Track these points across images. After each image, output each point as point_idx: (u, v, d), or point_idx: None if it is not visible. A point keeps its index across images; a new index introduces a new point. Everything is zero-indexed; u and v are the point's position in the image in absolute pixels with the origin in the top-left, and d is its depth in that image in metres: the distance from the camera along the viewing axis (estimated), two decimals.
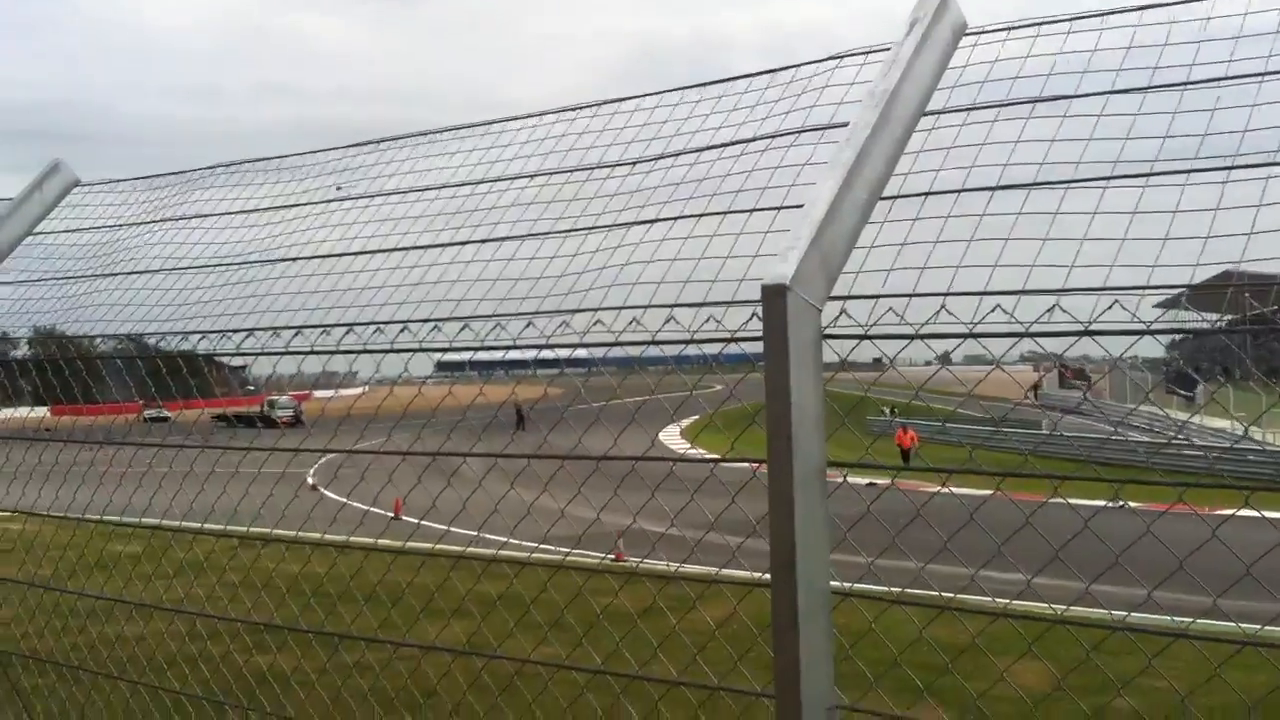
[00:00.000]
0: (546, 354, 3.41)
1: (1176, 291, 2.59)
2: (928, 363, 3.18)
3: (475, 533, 3.80)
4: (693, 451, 5.00)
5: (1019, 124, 2.96)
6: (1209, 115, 2.74)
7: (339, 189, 4.60)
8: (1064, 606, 2.64)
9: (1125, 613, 2.57)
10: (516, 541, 3.71)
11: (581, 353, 3.52)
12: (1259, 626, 2.45)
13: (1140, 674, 2.92)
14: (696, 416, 4.47)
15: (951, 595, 2.66)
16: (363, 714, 5.21)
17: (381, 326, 3.53)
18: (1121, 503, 3.02)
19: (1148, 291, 2.45)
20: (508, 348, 3.28)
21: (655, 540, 3.27)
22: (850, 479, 2.78)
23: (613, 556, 9.23)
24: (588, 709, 3.81)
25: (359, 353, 3.62)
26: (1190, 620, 2.54)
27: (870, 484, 3.09)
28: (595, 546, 4.39)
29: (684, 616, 3.29)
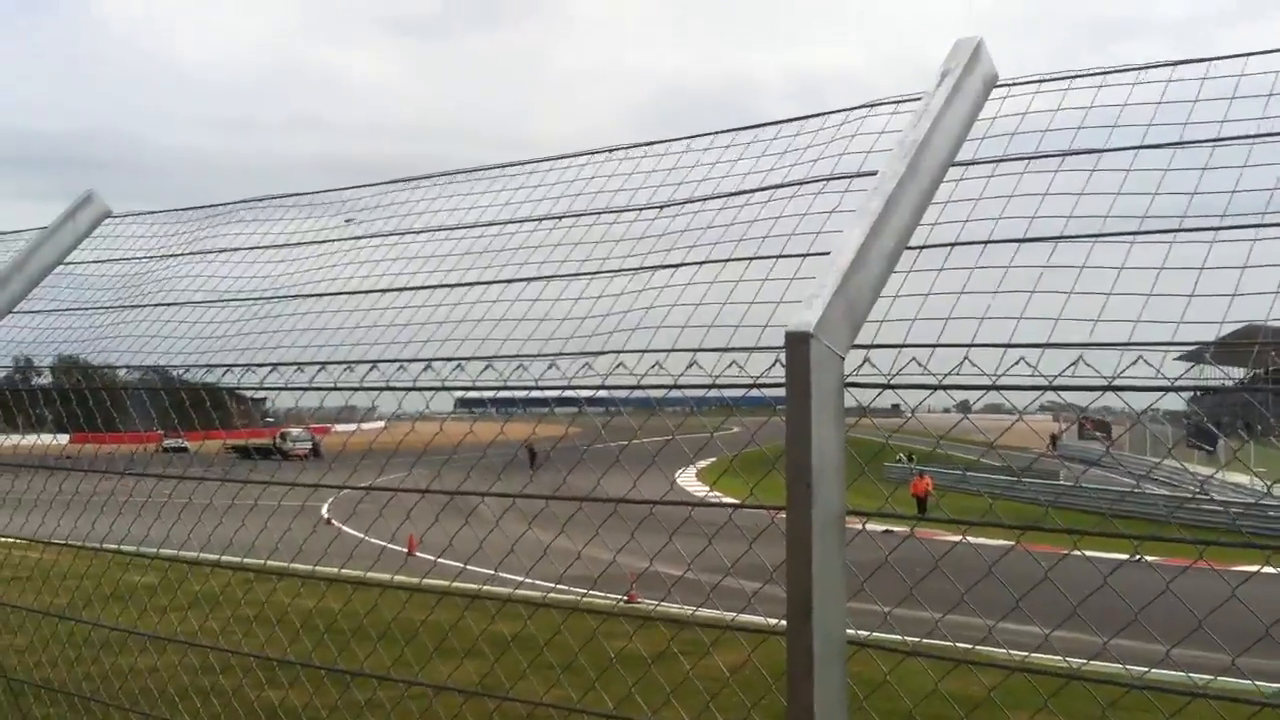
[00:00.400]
0: (568, 394, 3.42)
1: (1199, 346, 2.57)
2: (946, 410, 3.16)
3: (491, 571, 3.79)
4: (711, 495, 4.98)
5: (1047, 177, 2.97)
6: (1239, 172, 2.74)
7: (349, 221, 4.63)
8: (1081, 661, 2.60)
9: (1144, 669, 2.53)
10: (532, 582, 3.70)
11: (602, 394, 3.53)
12: (1278, 686, 2.41)
13: None
14: (714, 459, 4.45)
15: (968, 647, 2.62)
16: None
17: (405, 364, 3.54)
18: (1140, 557, 2.98)
19: (1172, 347, 2.44)
20: (530, 388, 3.29)
21: (672, 584, 3.25)
22: (868, 526, 2.76)
23: (626, 599, 9.17)
24: None
25: (381, 389, 3.63)
26: (1209, 679, 2.50)
27: (887, 531, 3.07)
28: (611, 588, 4.36)
29: (698, 662, 3.26)
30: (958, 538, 2.80)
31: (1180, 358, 2.58)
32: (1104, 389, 2.44)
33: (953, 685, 2.78)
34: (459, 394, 3.95)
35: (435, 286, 3.85)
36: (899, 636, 2.77)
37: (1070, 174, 2.94)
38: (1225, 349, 2.68)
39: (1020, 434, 3.19)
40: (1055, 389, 2.51)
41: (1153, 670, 2.57)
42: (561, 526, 3.37)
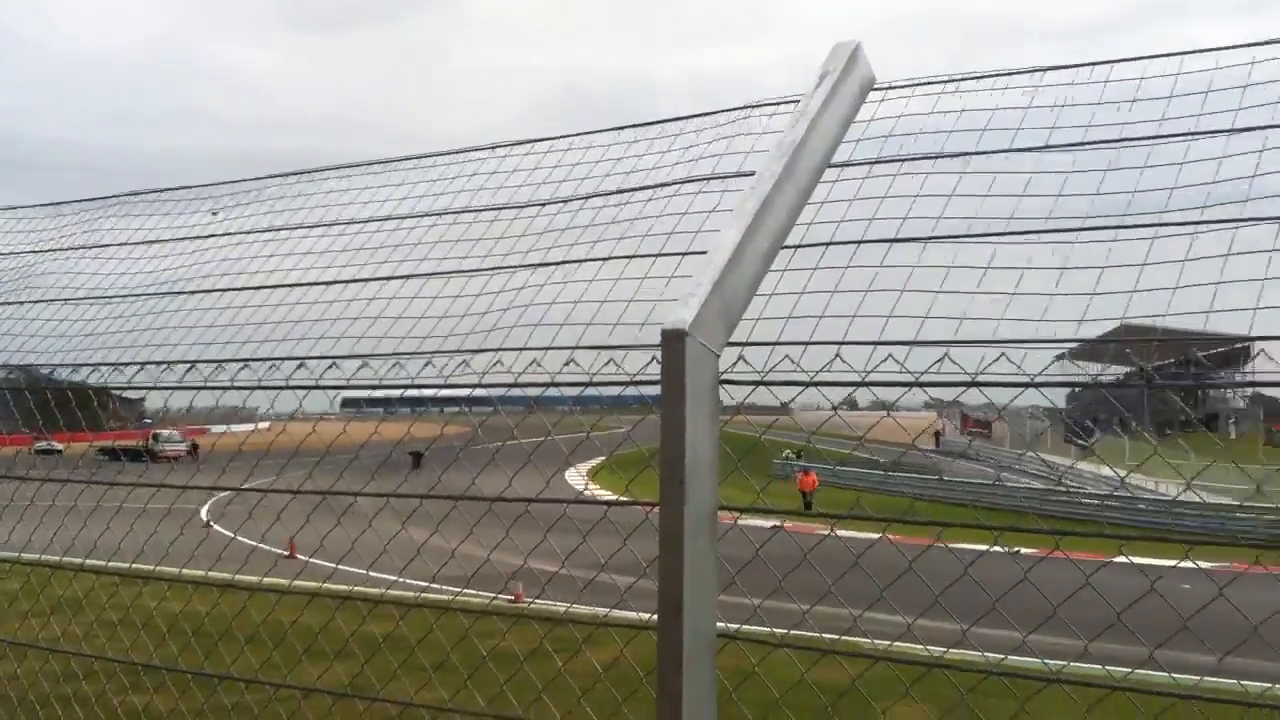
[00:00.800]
0: (447, 392, 3.38)
1: (1073, 345, 2.65)
2: (834, 407, 3.21)
3: (364, 571, 3.73)
4: (590, 492, 4.98)
5: (919, 179, 3.03)
6: (1102, 175, 2.83)
7: (215, 214, 4.53)
8: (943, 650, 2.66)
9: (1001, 656, 2.60)
10: (405, 581, 3.65)
11: (481, 392, 3.49)
12: (1128, 670, 2.50)
13: (1013, 717, 2.96)
14: (600, 459, 4.45)
15: (834, 637, 2.67)
16: None
17: (277, 363, 3.46)
18: (1010, 549, 3.06)
19: (1034, 345, 2.50)
20: (405, 387, 3.24)
21: (546, 581, 3.24)
22: (755, 522, 2.79)
23: (511, 598, 9.13)
24: None
25: (253, 389, 3.55)
26: (1063, 664, 2.58)
27: (775, 527, 3.10)
28: (486, 587, 4.32)
29: (570, 659, 3.25)
30: (840, 532, 2.85)
31: (1061, 356, 2.65)
32: (968, 384, 2.50)
33: (822, 674, 2.82)
34: (344, 394, 3.89)
35: (312, 284, 3.79)
36: (768, 629, 2.80)
37: (941, 176, 3.01)
38: (1102, 346, 2.77)
39: (904, 430, 3.25)
40: (921, 385, 2.56)
41: (1012, 656, 2.63)
42: (436, 525, 3.33)
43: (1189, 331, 2.62)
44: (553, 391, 3.09)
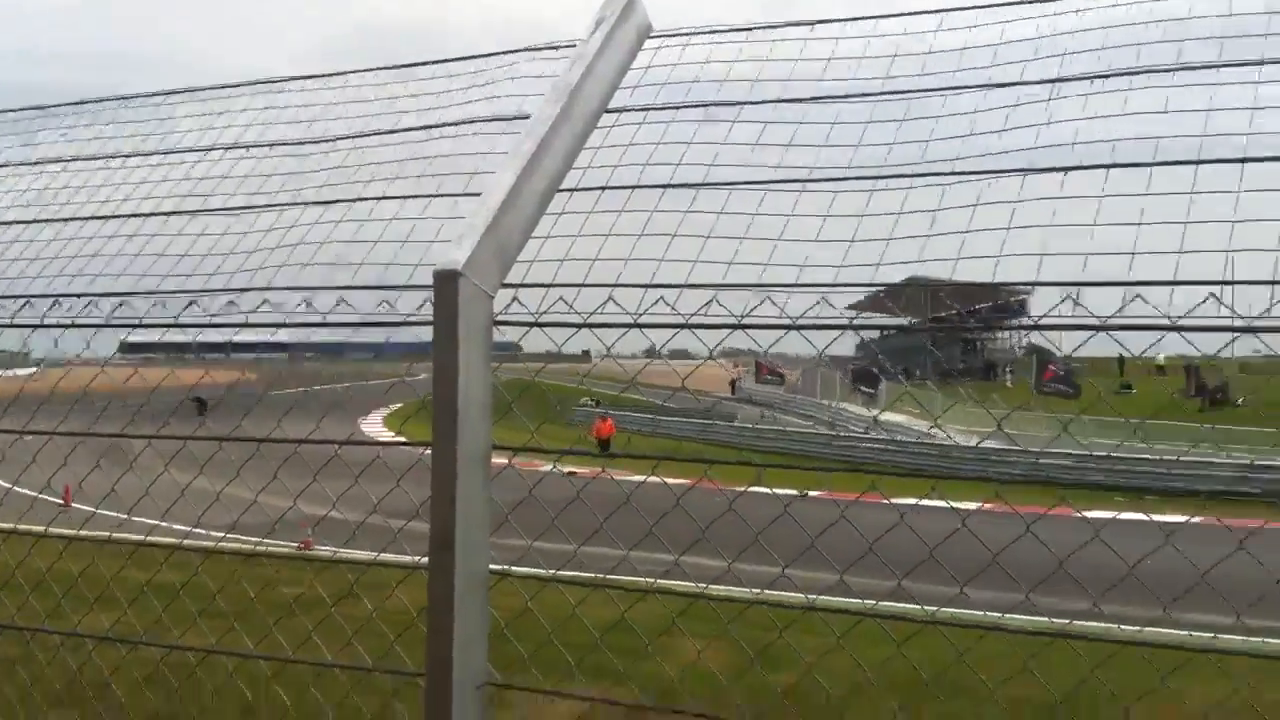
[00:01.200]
0: (215, 335, 3.27)
1: (832, 289, 2.75)
2: (634, 356, 3.26)
3: (156, 521, 3.59)
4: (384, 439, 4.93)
5: (693, 126, 3.08)
6: (862, 128, 2.93)
7: None
8: (704, 585, 2.76)
9: (759, 590, 2.72)
10: (168, 526, 3.54)
11: (253, 335, 3.39)
12: (936, 609, 2.65)
13: (769, 645, 3.11)
14: (401, 404, 4.40)
15: (602, 576, 2.73)
16: (24, 710, 4.85)
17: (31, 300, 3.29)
18: (801, 491, 3.19)
19: (797, 290, 2.60)
20: (166, 326, 3.13)
21: (314, 524, 3.20)
22: (548, 467, 2.81)
23: (300, 545, 8.97)
24: (238, 694, 3.69)
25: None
26: (873, 603, 2.71)
27: (571, 473, 3.14)
28: (278, 536, 4.24)
29: (340, 601, 3.23)
30: (639, 477, 2.90)
31: (850, 306, 2.75)
32: (734, 327, 2.58)
33: (593, 611, 2.89)
34: (125, 338, 3.71)
35: (68, 219, 3.59)
36: (542, 569, 2.84)
37: (714, 124, 3.06)
38: (888, 297, 2.89)
39: (705, 379, 3.33)
40: (690, 327, 2.63)
41: (767, 590, 2.75)
42: (201, 467, 3.24)
43: (968, 283, 2.75)
44: (334, 335, 3.04)
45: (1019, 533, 2.71)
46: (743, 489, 2.80)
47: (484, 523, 2.59)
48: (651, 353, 3.08)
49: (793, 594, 2.81)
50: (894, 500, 2.84)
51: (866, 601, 2.67)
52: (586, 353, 3.13)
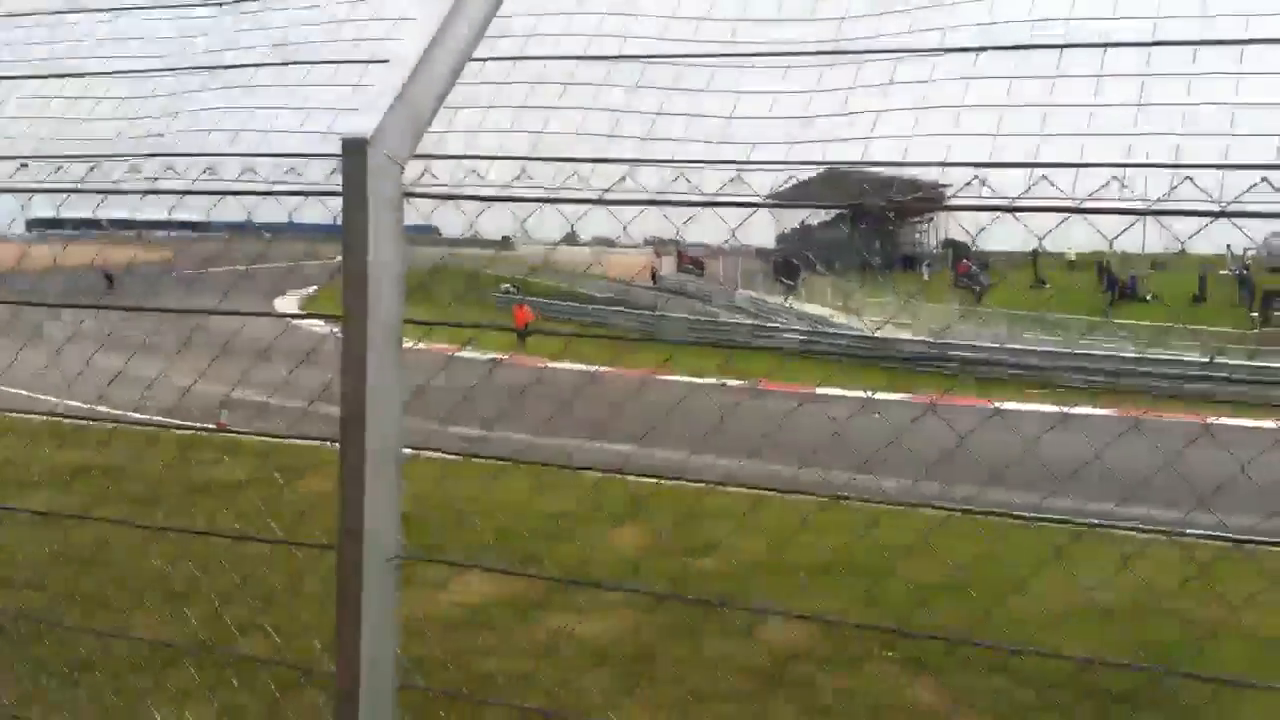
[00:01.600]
0: (152, 214, 3.17)
1: (751, 166, 2.74)
2: (556, 244, 3.22)
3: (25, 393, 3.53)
4: (313, 324, 4.87)
5: None
6: (778, 3, 2.90)
7: None
8: (619, 470, 2.80)
9: (674, 478, 2.76)
10: (79, 405, 3.49)
11: (160, 212, 3.30)
12: (848, 496, 2.71)
13: (678, 521, 3.17)
14: (316, 288, 4.34)
15: (515, 460, 2.76)
16: None
17: None
18: (719, 381, 3.21)
19: (712, 166, 2.59)
20: (70, 191, 3.03)
21: (220, 402, 3.17)
22: (474, 355, 2.81)
23: (215, 426, 8.89)
24: (149, 569, 3.70)
25: None
26: (723, 480, 2.76)
27: (493, 358, 3.14)
28: (194, 417, 4.19)
29: (254, 474, 3.22)
30: (558, 364, 2.90)
31: (770, 195, 2.74)
32: (649, 203, 2.57)
33: (539, 502, 2.91)
34: (30, 213, 3.59)
35: None
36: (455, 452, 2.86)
37: None
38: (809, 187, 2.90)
39: (627, 268, 3.31)
40: (604, 203, 2.61)
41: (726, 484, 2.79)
42: (101, 345, 3.18)
43: (888, 176, 2.76)
44: (235, 210, 2.97)
45: (927, 418, 2.77)
46: (696, 381, 2.83)
47: (396, 396, 2.58)
48: (571, 239, 3.06)
49: (740, 488, 2.87)
50: (817, 390, 2.88)
51: (775, 487, 2.73)
52: (507, 239, 3.10)
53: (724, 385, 3.27)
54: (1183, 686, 6.35)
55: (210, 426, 8.28)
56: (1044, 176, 2.44)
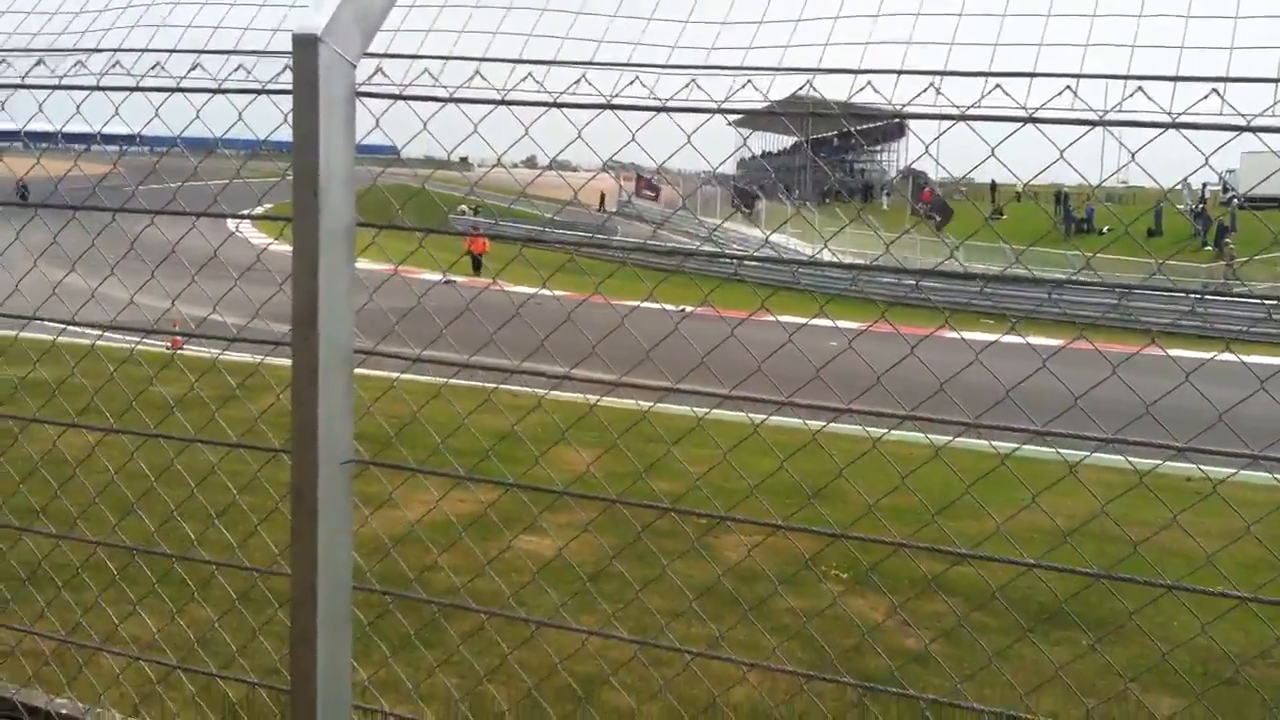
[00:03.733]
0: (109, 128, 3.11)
1: (706, 71, 2.72)
2: (515, 165, 3.20)
3: None
4: (244, 234, 4.82)
5: None
6: None
7: None
8: (599, 397, 2.81)
9: (651, 404, 2.78)
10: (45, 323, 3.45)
11: (119, 112, 3.24)
12: (765, 416, 2.72)
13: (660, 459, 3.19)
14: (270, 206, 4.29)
15: (494, 386, 2.75)
16: None
17: None
18: (680, 307, 3.22)
19: (667, 70, 2.58)
20: (14, 86, 2.97)
21: (159, 317, 3.13)
22: (428, 276, 2.79)
23: (169, 344, 8.80)
24: (98, 465, 3.68)
25: None
26: (707, 411, 2.78)
27: (449, 281, 3.12)
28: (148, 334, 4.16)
29: (202, 375, 3.21)
30: (521, 288, 2.89)
31: (733, 124, 2.73)
32: (604, 107, 2.56)
33: (483, 420, 2.87)
34: None
35: None
36: (406, 351, 2.85)
37: None
38: (770, 113, 2.88)
39: (587, 192, 3.28)
40: (558, 105, 2.60)
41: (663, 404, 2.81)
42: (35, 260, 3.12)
43: (845, 103, 2.75)
44: (189, 125, 2.92)
45: (902, 353, 2.78)
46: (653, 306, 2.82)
47: (347, 298, 2.58)
48: (531, 162, 3.04)
49: (681, 408, 2.88)
50: (782, 318, 2.89)
51: (754, 417, 2.74)
52: (465, 160, 3.08)
53: (684, 311, 3.28)
54: (1117, 598, 6.55)
55: (166, 346, 8.22)
56: (998, 85, 2.45)
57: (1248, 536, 2.69)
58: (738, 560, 7.45)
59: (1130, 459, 2.76)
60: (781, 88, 2.79)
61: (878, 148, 76.59)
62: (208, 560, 2.99)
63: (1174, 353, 2.47)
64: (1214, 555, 2.71)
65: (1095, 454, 2.58)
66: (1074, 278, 2.63)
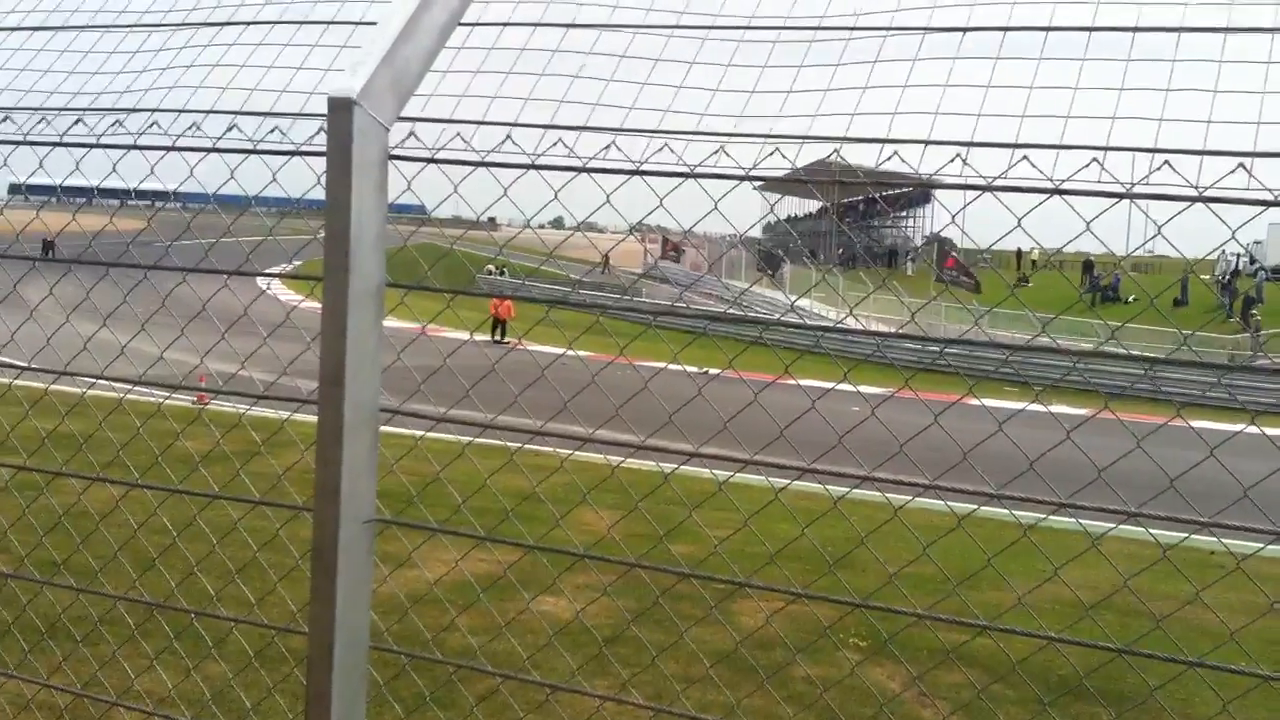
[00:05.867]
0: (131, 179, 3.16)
1: (734, 139, 2.75)
2: (542, 226, 3.23)
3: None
4: (274, 291, 4.85)
5: None
6: None
7: None
8: (621, 459, 2.80)
9: (675, 467, 2.78)
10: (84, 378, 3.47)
11: (155, 170, 3.29)
12: (787, 482, 2.71)
13: (683, 522, 3.18)
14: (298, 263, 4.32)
15: (519, 446, 2.75)
16: None
17: None
18: (702, 368, 3.22)
19: (695, 137, 2.61)
20: (53, 144, 3.02)
21: (188, 373, 3.15)
22: (455, 335, 2.80)
23: (195, 399, 8.85)
24: (121, 519, 3.69)
25: None
26: (730, 474, 2.77)
27: (499, 342, 3.15)
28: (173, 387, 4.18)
29: (228, 431, 3.22)
30: (545, 348, 2.90)
31: (757, 189, 2.76)
32: (632, 173, 2.58)
33: (506, 480, 2.88)
34: (9, 180, 3.57)
35: None
36: (431, 407, 2.86)
37: None
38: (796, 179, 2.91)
39: (616, 254, 3.30)
40: (588, 170, 2.63)
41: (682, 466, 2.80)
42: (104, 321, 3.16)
43: (870, 169, 2.77)
44: (224, 185, 2.96)
45: (923, 418, 2.77)
46: (675, 368, 2.83)
47: (375, 358, 2.59)
48: (559, 224, 3.07)
49: (703, 470, 2.87)
50: (805, 382, 2.89)
51: (775, 482, 2.74)
52: (493, 220, 3.11)
53: (705, 372, 3.28)
54: (1138, 673, 6.45)
55: (191, 401, 8.27)
56: (1025, 157, 2.46)
57: (1272, 612, 2.65)
58: (756, 628, 7.39)
59: (1153, 531, 2.73)
60: (808, 154, 2.82)
61: (903, 214, 76.92)
62: (226, 617, 2.98)
63: (1198, 424, 2.46)
64: (1238, 632, 2.67)
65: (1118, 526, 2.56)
66: (1102, 349, 2.62)
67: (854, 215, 73.72)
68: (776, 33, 2.77)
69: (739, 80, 2.69)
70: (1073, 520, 2.66)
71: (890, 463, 2.73)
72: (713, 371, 3.38)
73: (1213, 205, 2.39)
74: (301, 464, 2.71)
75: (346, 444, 2.55)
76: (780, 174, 2.71)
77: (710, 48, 2.78)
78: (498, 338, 27.56)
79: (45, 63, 3.20)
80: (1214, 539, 2.60)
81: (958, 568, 6.66)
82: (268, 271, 3.26)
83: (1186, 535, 2.45)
